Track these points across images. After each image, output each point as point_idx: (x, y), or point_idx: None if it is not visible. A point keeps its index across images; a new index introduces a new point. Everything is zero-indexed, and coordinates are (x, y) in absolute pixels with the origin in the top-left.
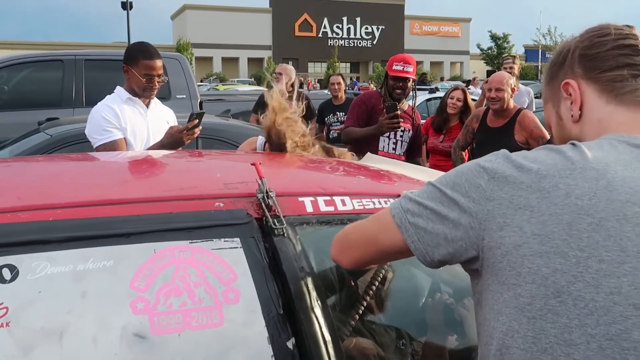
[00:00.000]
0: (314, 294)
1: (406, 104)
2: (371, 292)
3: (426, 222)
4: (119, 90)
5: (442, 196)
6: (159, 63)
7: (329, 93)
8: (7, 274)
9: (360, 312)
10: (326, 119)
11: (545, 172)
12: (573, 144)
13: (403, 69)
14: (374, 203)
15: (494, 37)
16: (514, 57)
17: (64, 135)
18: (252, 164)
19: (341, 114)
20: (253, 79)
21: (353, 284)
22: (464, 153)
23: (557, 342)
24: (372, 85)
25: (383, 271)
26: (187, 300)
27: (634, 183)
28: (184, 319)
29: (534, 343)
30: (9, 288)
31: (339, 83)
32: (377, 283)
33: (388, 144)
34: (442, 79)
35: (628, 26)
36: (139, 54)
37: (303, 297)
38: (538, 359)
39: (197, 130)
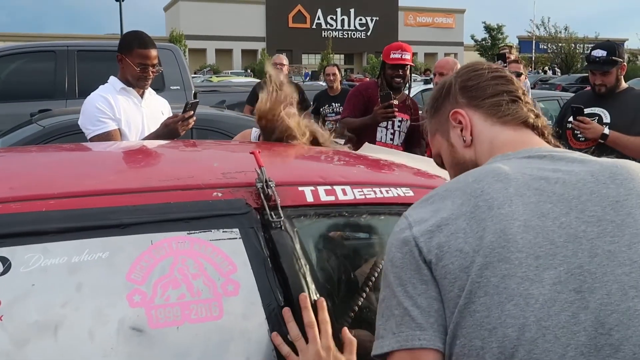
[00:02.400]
0: (312, 286)
1: (404, 94)
2: (370, 283)
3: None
4: (113, 80)
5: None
6: (153, 52)
7: (324, 84)
8: None
9: (360, 304)
10: (322, 109)
11: (460, 200)
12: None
13: (401, 56)
14: (375, 192)
15: (488, 28)
16: (511, 47)
17: (57, 127)
18: (251, 153)
19: (337, 104)
20: (248, 70)
21: (352, 275)
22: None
23: (520, 343)
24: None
25: (382, 263)
26: (185, 292)
27: (537, 184)
28: (183, 312)
29: (501, 352)
30: (1, 281)
31: (334, 74)
32: (376, 275)
33: (386, 134)
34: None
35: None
36: (133, 43)
37: (302, 289)
38: None
39: (192, 121)
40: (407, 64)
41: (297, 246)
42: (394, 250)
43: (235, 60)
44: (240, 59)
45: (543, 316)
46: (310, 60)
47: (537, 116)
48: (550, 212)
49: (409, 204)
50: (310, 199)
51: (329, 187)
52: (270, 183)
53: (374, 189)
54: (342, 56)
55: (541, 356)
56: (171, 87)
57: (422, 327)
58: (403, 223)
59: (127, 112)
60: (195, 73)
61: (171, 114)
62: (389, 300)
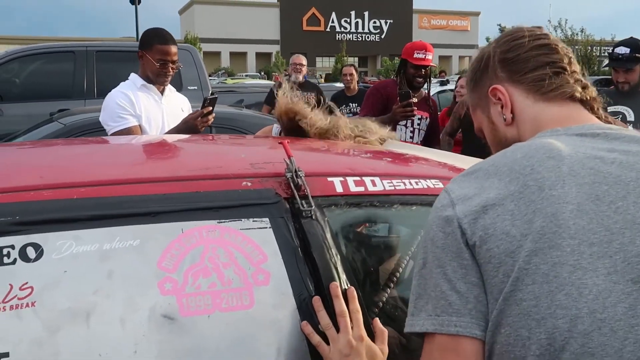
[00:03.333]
0: (343, 276)
1: (423, 91)
2: (395, 279)
3: (456, 296)
4: (133, 77)
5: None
6: (173, 49)
7: (341, 85)
8: (31, 253)
9: (385, 299)
10: (339, 109)
11: (507, 178)
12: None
13: (425, 57)
14: (404, 184)
15: (503, 31)
16: None
17: (78, 124)
18: (280, 143)
19: (354, 104)
20: (262, 73)
21: (383, 266)
22: (452, 140)
23: (572, 335)
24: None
25: (407, 258)
26: (216, 281)
27: (592, 163)
28: (214, 301)
29: (550, 344)
30: (34, 267)
31: (351, 74)
32: (401, 270)
33: (405, 133)
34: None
35: (537, 27)
36: (154, 39)
37: (333, 278)
38: (558, 359)
39: (211, 117)
40: (430, 65)
41: (328, 235)
42: (435, 228)
43: (249, 63)
44: (254, 62)
45: (597, 308)
46: (325, 63)
47: (584, 87)
48: (606, 195)
49: None
50: (339, 189)
51: (358, 178)
52: (299, 173)
53: (403, 180)
54: (356, 59)
55: (596, 350)
56: (189, 88)
57: (459, 312)
58: (445, 199)
59: (148, 109)
60: (210, 75)
61: (191, 111)
62: (425, 279)
